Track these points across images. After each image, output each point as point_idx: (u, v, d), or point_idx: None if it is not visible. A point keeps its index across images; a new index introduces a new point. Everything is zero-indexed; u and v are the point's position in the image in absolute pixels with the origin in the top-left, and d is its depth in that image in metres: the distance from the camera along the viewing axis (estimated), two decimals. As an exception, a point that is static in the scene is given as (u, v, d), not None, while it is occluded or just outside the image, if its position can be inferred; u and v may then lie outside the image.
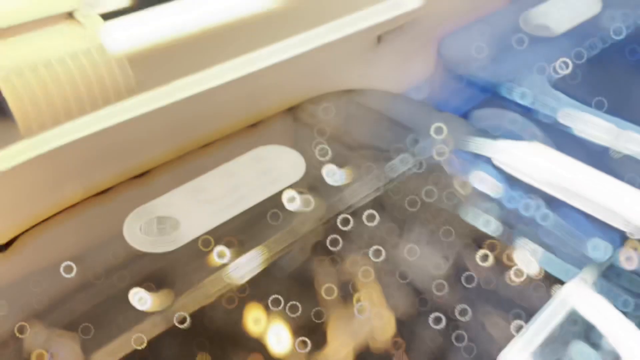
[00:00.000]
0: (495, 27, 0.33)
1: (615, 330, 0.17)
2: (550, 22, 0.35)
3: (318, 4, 0.29)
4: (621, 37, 0.34)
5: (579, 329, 0.17)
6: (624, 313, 0.18)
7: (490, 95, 0.30)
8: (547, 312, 0.17)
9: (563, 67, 0.30)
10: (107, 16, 0.25)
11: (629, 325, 0.17)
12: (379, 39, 0.31)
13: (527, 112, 0.28)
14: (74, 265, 0.18)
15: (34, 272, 0.18)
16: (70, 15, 0.24)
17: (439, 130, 0.25)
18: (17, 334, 0.16)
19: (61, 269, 0.18)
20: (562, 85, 0.29)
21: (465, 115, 0.31)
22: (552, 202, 0.22)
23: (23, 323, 0.16)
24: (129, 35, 0.25)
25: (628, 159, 0.25)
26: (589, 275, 0.18)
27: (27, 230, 0.19)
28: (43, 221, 0.20)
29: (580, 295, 0.18)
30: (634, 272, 0.19)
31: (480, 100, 0.32)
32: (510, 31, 0.33)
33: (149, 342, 0.16)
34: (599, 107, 0.30)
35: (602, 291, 0.18)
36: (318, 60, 0.29)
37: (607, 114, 0.27)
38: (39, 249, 0.19)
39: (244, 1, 0.29)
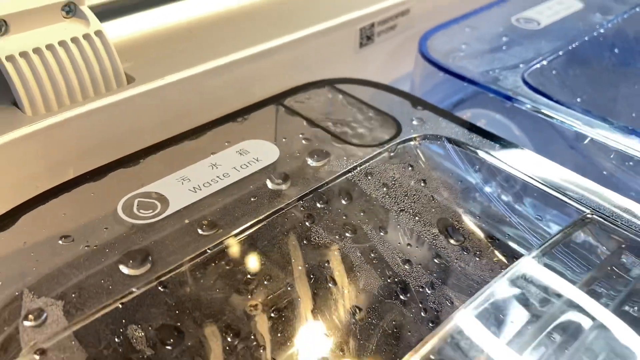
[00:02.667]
0: (480, 23, 0.35)
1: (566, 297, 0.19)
2: (536, 16, 0.36)
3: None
4: (604, 32, 0.36)
5: (528, 298, 0.19)
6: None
7: (472, 88, 0.31)
8: (498, 281, 0.19)
9: (539, 61, 0.31)
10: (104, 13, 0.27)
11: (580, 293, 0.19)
12: (370, 34, 0.33)
13: (504, 104, 0.30)
14: (74, 234, 0.20)
15: (43, 246, 0.20)
16: (70, 5, 0.26)
17: (418, 118, 0.27)
18: (16, 302, 0.18)
19: (59, 240, 0.20)
20: (537, 80, 0.30)
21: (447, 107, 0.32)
22: (511, 183, 0.24)
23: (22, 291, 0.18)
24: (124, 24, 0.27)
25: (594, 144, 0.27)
26: (543, 250, 0.20)
27: (27, 206, 0.21)
28: (44, 199, 0.22)
29: (533, 268, 0.20)
30: (586, 248, 0.21)
31: (462, 94, 0.33)
32: (494, 27, 0.35)
33: (133, 302, 0.18)
34: (570, 101, 0.31)
35: (555, 265, 0.20)
36: (310, 52, 0.31)
37: (577, 108, 0.28)
38: (40, 226, 0.21)
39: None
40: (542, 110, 0.28)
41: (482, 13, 0.36)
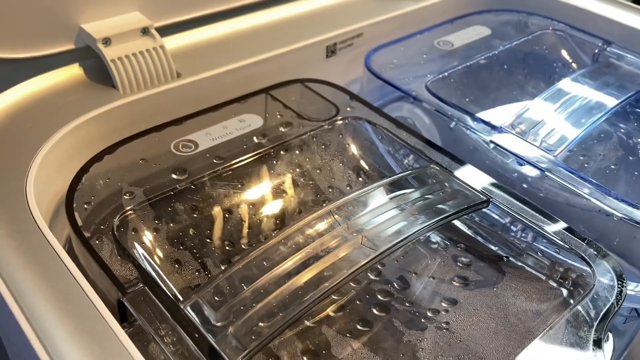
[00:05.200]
0: (411, 44, 0.51)
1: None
2: (453, 40, 0.53)
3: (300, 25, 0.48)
4: (499, 53, 0.52)
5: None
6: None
7: (401, 93, 0.48)
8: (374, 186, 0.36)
9: (441, 73, 0.48)
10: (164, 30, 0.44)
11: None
12: (333, 49, 0.50)
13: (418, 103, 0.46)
14: (148, 158, 0.37)
15: (131, 164, 0.37)
16: (145, 29, 0.43)
17: (351, 107, 0.44)
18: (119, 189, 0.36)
19: (139, 160, 0.38)
20: (437, 86, 0.46)
21: (382, 105, 0.49)
22: (397, 147, 0.41)
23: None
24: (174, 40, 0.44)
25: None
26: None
27: (122, 142, 0.39)
28: (130, 140, 0.39)
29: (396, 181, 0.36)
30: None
31: (392, 97, 0.49)
32: (420, 47, 0.51)
33: (177, 192, 0.36)
34: (460, 102, 0.47)
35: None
36: (292, 61, 0.48)
37: (457, 107, 0.44)
38: (129, 153, 0.38)
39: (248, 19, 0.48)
40: (438, 110, 0.45)
41: (414, 37, 0.52)
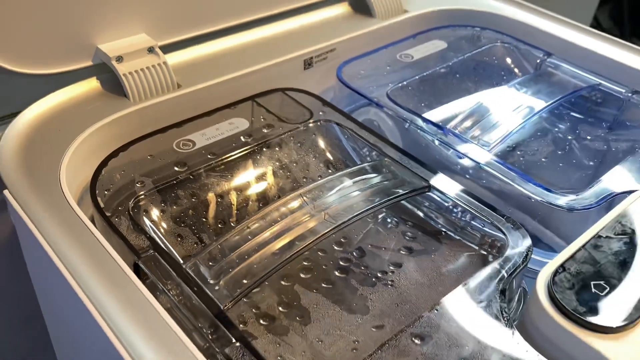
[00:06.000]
0: (377, 58, 0.60)
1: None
2: (413, 53, 0.61)
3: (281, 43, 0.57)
4: (452, 64, 0.60)
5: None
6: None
7: (367, 100, 0.56)
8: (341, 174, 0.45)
9: (401, 82, 0.56)
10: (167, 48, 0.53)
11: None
12: (310, 62, 0.59)
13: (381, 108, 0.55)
14: (154, 154, 0.46)
15: (141, 159, 0.46)
16: (151, 48, 0.52)
17: (322, 111, 0.52)
18: (132, 179, 0.44)
19: (148, 156, 0.46)
20: (396, 94, 0.55)
21: (352, 110, 0.58)
22: (361, 144, 0.50)
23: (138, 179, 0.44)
24: (175, 56, 0.53)
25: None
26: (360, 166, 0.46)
27: (133, 142, 0.47)
28: (140, 140, 0.48)
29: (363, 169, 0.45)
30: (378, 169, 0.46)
31: (361, 103, 0.58)
32: (384, 60, 0.60)
33: (178, 182, 0.44)
34: (416, 107, 0.56)
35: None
36: (275, 72, 0.56)
37: (412, 111, 0.53)
38: (139, 151, 0.47)
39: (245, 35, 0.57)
40: (396, 113, 0.53)
41: (380, 51, 0.61)
